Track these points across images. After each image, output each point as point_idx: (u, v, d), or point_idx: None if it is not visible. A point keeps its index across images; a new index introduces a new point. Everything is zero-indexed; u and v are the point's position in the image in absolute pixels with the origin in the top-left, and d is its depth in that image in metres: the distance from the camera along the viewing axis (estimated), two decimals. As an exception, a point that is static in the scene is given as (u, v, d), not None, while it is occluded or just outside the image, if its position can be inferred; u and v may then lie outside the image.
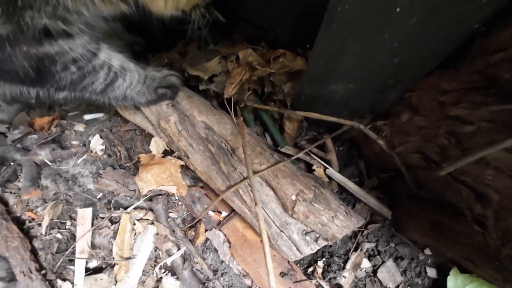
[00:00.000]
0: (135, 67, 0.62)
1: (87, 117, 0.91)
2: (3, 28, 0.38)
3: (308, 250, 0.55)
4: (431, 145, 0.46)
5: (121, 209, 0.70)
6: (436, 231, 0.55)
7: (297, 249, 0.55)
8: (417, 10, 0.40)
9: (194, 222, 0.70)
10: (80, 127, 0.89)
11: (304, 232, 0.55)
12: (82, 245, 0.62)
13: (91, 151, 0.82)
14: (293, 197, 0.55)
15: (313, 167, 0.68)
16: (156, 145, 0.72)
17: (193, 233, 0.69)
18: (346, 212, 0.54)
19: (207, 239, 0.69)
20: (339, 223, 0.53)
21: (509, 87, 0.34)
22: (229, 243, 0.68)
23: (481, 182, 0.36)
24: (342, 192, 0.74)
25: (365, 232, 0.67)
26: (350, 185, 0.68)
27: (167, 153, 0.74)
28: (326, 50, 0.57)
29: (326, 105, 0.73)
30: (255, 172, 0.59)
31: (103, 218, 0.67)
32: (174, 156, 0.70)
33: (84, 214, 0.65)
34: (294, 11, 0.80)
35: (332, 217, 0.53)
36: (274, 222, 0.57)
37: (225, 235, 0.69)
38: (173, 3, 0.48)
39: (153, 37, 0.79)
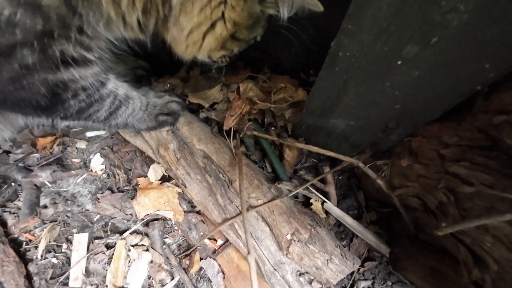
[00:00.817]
0: (137, 95, 0.62)
1: (89, 134, 0.92)
2: (31, 58, 0.38)
3: (302, 291, 0.54)
4: (430, 197, 0.45)
5: (117, 234, 0.71)
6: (435, 278, 0.53)
7: (291, 290, 0.55)
8: (419, 65, 0.39)
9: (190, 251, 0.69)
10: (82, 144, 0.90)
11: (298, 273, 0.54)
12: (76, 272, 0.62)
13: (91, 170, 0.83)
14: (289, 237, 0.55)
15: (311, 201, 0.68)
16: (155, 172, 0.72)
17: (187, 262, 0.69)
18: (342, 255, 0.54)
19: (201, 268, 0.69)
20: (334, 268, 0.52)
21: (511, 152, 0.33)
22: (223, 273, 0.67)
23: (480, 247, 0.35)
24: (340, 225, 0.72)
25: (362, 269, 0.66)
26: (348, 221, 0.67)
27: (165, 178, 0.74)
28: (327, 88, 0.57)
29: (327, 135, 0.72)
30: (251, 207, 0.59)
31: (99, 243, 0.67)
32: (172, 183, 0.70)
33: (80, 240, 0.65)
34: (299, 39, 0.80)
35: (327, 260, 0.52)
36: (268, 260, 0.57)
37: (219, 265, 0.68)
38: (195, 50, 0.48)
39: (158, 61, 0.80)
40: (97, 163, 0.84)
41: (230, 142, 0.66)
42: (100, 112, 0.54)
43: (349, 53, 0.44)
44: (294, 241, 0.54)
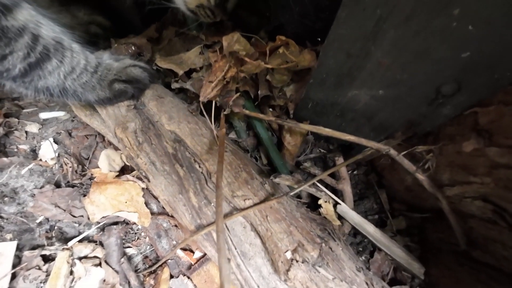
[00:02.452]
0: (80, 48, 0.44)
1: (44, 115, 0.75)
2: None
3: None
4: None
5: (61, 241, 0.53)
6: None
7: (291, 331, 0.37)
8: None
9: (156, 266, 0.52)
10: (33, 128, 0.73)
11: (302, 308, 0.37)
12: (-7, 295, 0.45)
13: (40, 159, 0.66)
14: (288, 255, 0.37)
15: (319, 202, 0.50)
16: (109, 161, 0.55)
17: (151, 282, 0.51)
18: (367, 284, 0.36)
19: (171, 289, 0.52)
20: (357, 304, 0.34)
21: None
22: (200, 298, 0.50)
23: None
24: (356, 235, 0.55)
25: (388, 296, 0.49)
26: (369, 229, 0.50)
27: (127, 169, 0.57)
28: (348, 38, 0.39)
29: (341, 116, 0.55)
30: (236, 210, 0.41)
31: (33, 255, 0.50)
32: (134, 176, 0.53)
33: (4, 250, 0.48)
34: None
35: (346, 292, 0.35)
36: (259, 286, 0.39)
37: (195, 286, 0.51)
38: None
39: (121, 18, 0.62)
40: (48, 150, 0.66)
41: (211, 120, 0.49)
42: (11, 60, 0.36)
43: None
44: (297, 261, 0.37)
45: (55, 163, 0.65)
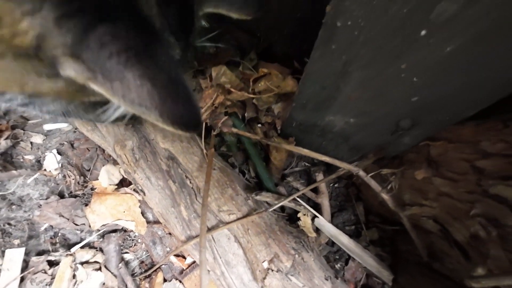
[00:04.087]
0: None
1: (48, 127, 0.80)
2: None
3: (281, 335, 0.42)
4: (457, 225, 0.33)
5: (64, 247, 0.59)
6: (453, 323, 0.41)
7: (267, 332, 0.43)
8: (454, 35, 0.26)
9: (151, 271, 0.57)
10: (38, 139, 0.77)
11: (276, 312, 0.42)
12: (4, 297, 0.51)
13: (45, 170, 0.71)
14: (265, 264, 0.43)
15: (299, 215, 0.55)
16: (108, 175, 0.60)
17: (147, 285, 0.57)
18: (333, 292, 0.41)
19: (165, 292, 0.57)
20: (322, 310, 0.40)
21: None
22: (190, 300, 0.55)
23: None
24: (334, 244, 0.60)
25: (359, 301, 0.54)
26: (344, 241, 0.55)
27: (126, 183, 0.62)
28: (322, 73, 0.44)
29: (322, 135, 0.60)
30: (221, 223, 0.46)
31: (39, 260, 0.55)
32: (131, 189, 0.58)
33: (13, 256, 0.53)
34: (292, 16, 0.67)
35: (314, 299, 0.40)
36: (240, 292, 0.44)
37: (186, 290, 0.56)
38: None
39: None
40: (52, 161, 0.72)
41: (201, 140, 0.54)
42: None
43: (351, 21, 0.31)
44: (272, 270, 0.42)
45: (59, 173, 0.70)
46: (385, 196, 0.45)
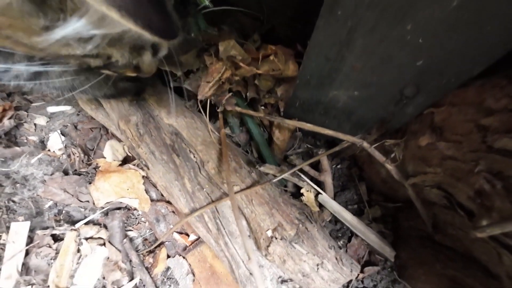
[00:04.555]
0: None
1: (51, 109, 0.80)
2: None
3: (284, 303, 0.42)
4: (461, 185, 0.33)
5: (68, 224, 0.59)
6: (455, 291, 0.41)
7: (271, 300, 0.43)
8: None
9: (154, 246, 0.58)
10: (41, 121, 0.78)
11: (280, 279, 0.43)
12: (9, 268, 0.51)
13: (49, 150, 0.71)
14: (269, 233, 0.43)
15: (302, 191, 0.55)
16: (113, 151, 0.60)
17: (151, 260, 0.57)
18: (337, 259, 0.42)
19: (168, 267, 0.57)
20: (326, 275, 0.40)
21: None
22: (193, 275, 0.56)
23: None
24: (337, 222, 0.60)
25: (361, 275, 0.54)
26: (347, 217, 0.55)
27: (129, 159, 0.62)
28: (326, 44, 0.44)
29: (325, 113, 0.60)
30: (224, 195, 0.47)
31: (44, 234, 0.56)
32: (134, 165, 0.58)
33: (19, 229, 0.54)
34: (295, -2, 0.67)
35: (317, 265, 0.40)
36: (243, 261, 0.45)
37: (189, 265, 0.57)
38: None
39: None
40: (56, 141, 0.72)
41: (206, 117, 0.54)
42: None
43: (357, -19, 0.31)
44: (276, 238, 0.42)
45: (63, 153, 0.71)
46: (389, 166, 0.45)
